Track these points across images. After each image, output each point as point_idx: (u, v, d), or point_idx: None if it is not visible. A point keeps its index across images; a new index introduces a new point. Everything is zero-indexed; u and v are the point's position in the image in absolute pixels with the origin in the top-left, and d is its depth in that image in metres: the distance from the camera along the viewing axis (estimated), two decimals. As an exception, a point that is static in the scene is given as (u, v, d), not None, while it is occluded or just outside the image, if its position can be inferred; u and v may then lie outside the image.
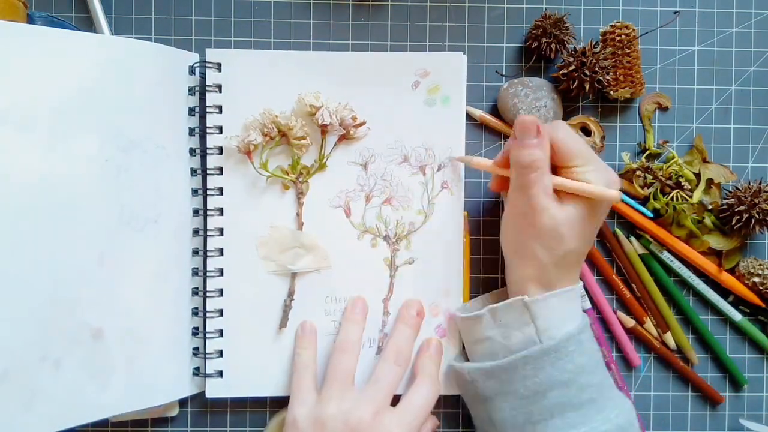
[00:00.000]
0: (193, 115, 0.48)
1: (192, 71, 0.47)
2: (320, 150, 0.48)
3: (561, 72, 0.54)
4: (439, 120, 0.49)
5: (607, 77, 0.55)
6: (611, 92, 0.56)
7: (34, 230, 0.40)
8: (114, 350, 0.43)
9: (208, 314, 0.48)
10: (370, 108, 0.48)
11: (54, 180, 0.40)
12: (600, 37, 0.55)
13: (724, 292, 0.54)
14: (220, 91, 0.47)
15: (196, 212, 0.48)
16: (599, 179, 0.42)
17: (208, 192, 0.48)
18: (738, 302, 0.54)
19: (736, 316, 0.54)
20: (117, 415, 0.46)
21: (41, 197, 0.40)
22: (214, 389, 0.48)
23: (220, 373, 0.47)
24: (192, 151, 0.48)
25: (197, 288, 0.48)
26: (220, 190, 0.48)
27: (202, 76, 0.48)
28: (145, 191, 0.44)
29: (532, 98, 0.56)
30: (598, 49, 0.54)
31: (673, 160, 0.54)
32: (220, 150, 0.48)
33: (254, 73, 0.47)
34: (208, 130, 0.48)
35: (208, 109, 0.48)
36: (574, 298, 0.45)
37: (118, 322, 0.43)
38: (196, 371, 0.48)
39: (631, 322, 0.54)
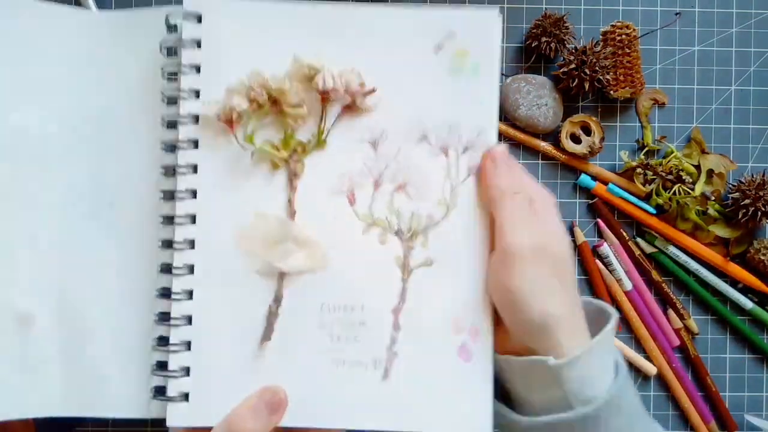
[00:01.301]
0: (171, 80, 0.39)
1: (169, 27, 0.39)
2: (319, 123, 0.38)
3: (561, 70, 0.52)
4: (466, 93, 0.39)
5: (607, 77, 0.54)
6: (611, 92, 0.54)
7: None
8: (46, 343, 0.37)
9: (173, 321, 0.38)
10: (382, 73, 0.38)
11: None
12: (600, 37, 0.53)
13: (730, 284, 0.55)
14: (199, 47, 0.38)
15: (170, 195, 0.39)
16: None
17: (179, 170, 0.38)
18: (746, 291, 0.55)
19: (747, 303, 0.54)
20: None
21: None
22: (177, 417, 0.37)
23: (185, 396, 0.37)
24: (168, 123, 0.39)
25: (169, 288, 0.38)
26: (194, 168, 0.38)
27: (177, 29, 0.39)
28: (97, 171, 0.38)
29: (534, 95, 0.53)
30: (598, 49, 0.53)
31: (672, 155, 0.53)
32: (196, 119, 0.38)
33: (241, 27, 0.38)
34: (181, 95, 0.38)
35: (182, 69, 0.38)
36: (610, 340, 0.37)
37: (55, 314, 0.38)
38: (160, 392, 0.38)
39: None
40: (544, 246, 0.35)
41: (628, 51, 0.54)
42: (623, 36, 0.54)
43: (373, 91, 0.38)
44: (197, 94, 0.38)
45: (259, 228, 0.38)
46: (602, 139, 0.53)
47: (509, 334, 0.37)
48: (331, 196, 0.39)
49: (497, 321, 0.38)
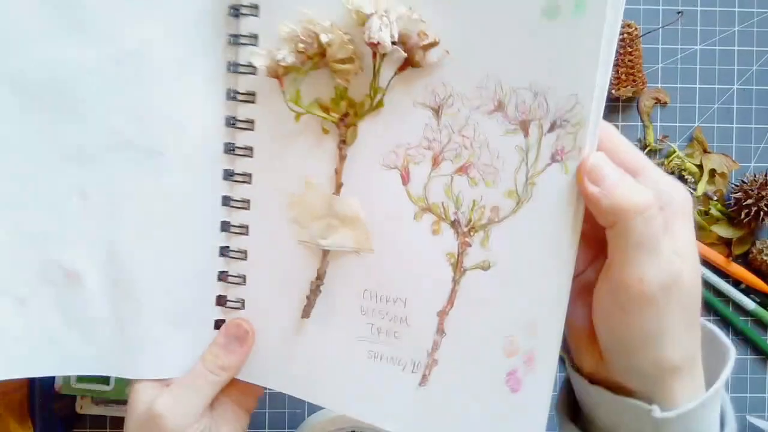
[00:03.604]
0: (236, 16, 0.33)
1: None
2: (373, 81, 0.31)
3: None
4: (563, 44, 0.29)
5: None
6: (613, 91, 0.54)
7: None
8: (96, 303, 0.35)
9: (230, 279, 0.36)
10: (451, 20, 0.30)
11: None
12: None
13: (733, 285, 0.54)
14: None
15: (230, 149, 0.35)
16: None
17: (238, 124, 0.34)
18: (748, 292, 0.54)
19: (750, 304, 0.54)
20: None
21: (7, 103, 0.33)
22: None
23: None
24: (231, 68, 0.34)
25: (227, 247, 0.36)
26: (251, 124, 0.33)
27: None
28: (142, 114, 0.33)
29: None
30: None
31: (674, 155, 0.53)
32: (254, 69, 0.33)
33: None
34: (239, 40, 0.33)
35: (241, 9, 0.32)
36: (720, 393, 0.30)
37: (103, 272, 0.35)
38: None
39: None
40: (675, 280, 0.27)
41: (629, 50, 0.54)
42: (625, 35, 0.54)
43: (435, 43, 0.30)
44: (255, 39, 0.33)
45: (308, 198, 0.34)
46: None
47: (606, 362, 0.30)
48: (383, 170, 0.33)
49: (590, 341, 0.31)
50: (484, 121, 0.31)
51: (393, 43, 0.30)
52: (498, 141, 0.31)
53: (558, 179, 0.30)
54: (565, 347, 0.32)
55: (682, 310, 0.28)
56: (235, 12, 0.33)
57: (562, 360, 0.32)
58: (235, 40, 0.33)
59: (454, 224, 0.32)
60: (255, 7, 0.32)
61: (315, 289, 0.34)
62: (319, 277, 0.34)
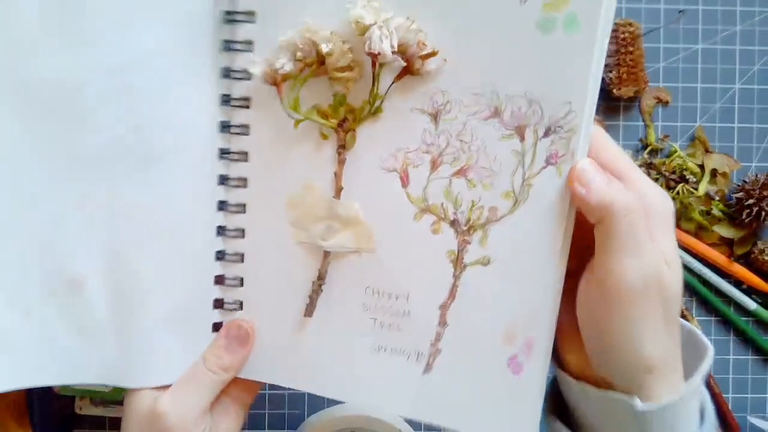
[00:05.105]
0: (229, 22, 0.34)
1: None
2: (372, 88, 0.32)
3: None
4: (557, 55, 0.31)
5: (611, 75, 0.53)
6: (614, 90, 0.54)
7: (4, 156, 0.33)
8: (98, 311, 0.35)
9: (227, 281, 0.36)
10: (450, 28, 0.31)
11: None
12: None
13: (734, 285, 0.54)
14: None
15: (225, 154, 0.35)
16: None
17: (232, 130, 0.34)
18: (749, 292, 0.54)
19: (751, 304, 0.54)
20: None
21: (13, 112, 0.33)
22: None
23: None
24: (225, 74, 0.34)
25: (223, 251, 0.36)
26: (246, 129, 0.34)
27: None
28: (142, 122, 0.34)
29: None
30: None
31: (675, 154, 0.53)
32: (249, 75, 0.33)
33: None
34: (236, 46, 0.33)
35: (236, 15, 0.33)
36: (701, 382, 0.32)
37: (105, 278, 0.35)
38: None
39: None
40: (657, 280, 0.29)
41: (631, 49, 0.54)
42: (626, 34, 0.54)
43: (434, 53, 0.31)
44: (251, 45, 0.33)
45: (308, 200, 0.35)
46: (606, 137, 0.53)
47: (590, 360, 0.32)
48: (382, 173, 0.34)
49: (572, 338, 0.33)
50: (481, 127, 0.33)
51: (392, 52, 0.31)
52: (495, 145, 0.33)
53: (552, 181, 0.32)
54: (553, 347, 0.34)
55: (661, 309, 0.30)
56: (229, 18, 0.33)
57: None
58: (230, 46, 0.34)
59: (454, 224, 0.34)
60: (251, 13, 0.33)
61: (317, 289, 0.35)
62: (321, 277, 0.35)
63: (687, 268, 0.54)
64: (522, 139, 0.32)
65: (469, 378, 0.35)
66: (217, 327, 0.36)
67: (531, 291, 0.33)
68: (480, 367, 0.34)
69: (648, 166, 0.53)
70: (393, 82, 0.33)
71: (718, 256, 0.54)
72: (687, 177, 0.53)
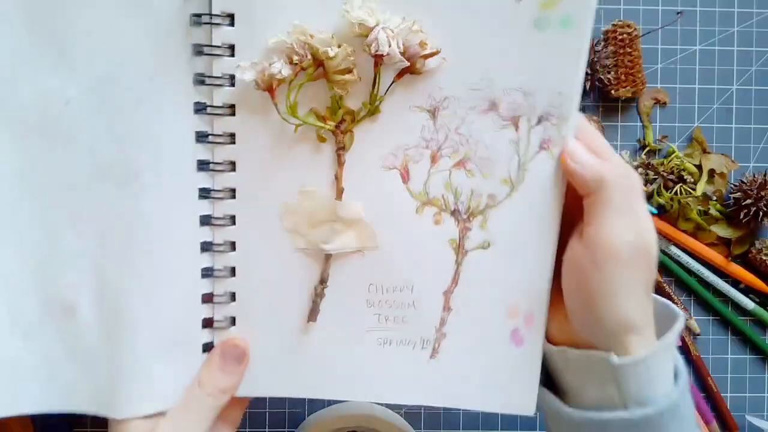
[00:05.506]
0: (199, 24, 0.33)
1: None
2: (372, 89, 0.33)
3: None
4: (550, 52, 0.32)
5: (609, 76, 0.54)
6: (612, 91, 0.54)
7: None
8: (89, 336, 0.34)
9: (215, 299, 0.35)
10: (449, 27, 0.32)
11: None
12: (602, 36, 0.53)
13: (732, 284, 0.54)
14: None
15: (204, 165, 0.34)
16: None
17: (216, 139, 0.33)
18: (747, 292, 0.54)
19: (749, 304, 0.54)
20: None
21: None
22: None
23: None
24: (199, 80, 0.33)
25: (211, 267, 0.35)
26: (231, 137, 0.33)
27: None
28: (121, 138, 0.33)
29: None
30: (599, 48, 0.53)
31: (673, 155, 0.53)
32: (232, 80, 0.33)
33: None
34: (214, 51, 0.32)
35: (213, 20, 0.32)
36: (674, 343, 0.33)
37: (95, 301, 0.34)
38: None
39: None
40: (644, 243, 0.32)
41: (629, 50, 0.54)
42: (624, 35, 0.54)
43: (436, 53, 0.32)
44: (232, 50, 0.32)
45: (305, 206, 0.34)
46: (603, 139, 0.53)
47: (569, 324, 0.34)
48: (383, 171, 0.34)
49: (555, 307, 0.36)
50: (479, 120, 0.34)
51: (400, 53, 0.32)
52: (492, 136, 0.34)
53: (546, 165, 0.34)
54: None
55: (647, 272, 0.32)
56: (203, 21, 0.32)
57: None
58: (204, 50, 0.33)
59: (455, 213, 0.35)
60: (230, 16, 0.32)
61: (320, 293, 0.35)
62: (323, 281, 0.35)
63: (685, 268, 0.54)
64: (517, 128, 0.34)
65: (473, 354, 0.36)
66: (207, 347, 0.36)
67: (529, 267, 0.35)
68: (484, 344, 0.36)
69: (646, 167, 0.54)
70: (393, 82, 0.33)
71: (716, 256, 0.54)
72: (685, 177, 0.53)
